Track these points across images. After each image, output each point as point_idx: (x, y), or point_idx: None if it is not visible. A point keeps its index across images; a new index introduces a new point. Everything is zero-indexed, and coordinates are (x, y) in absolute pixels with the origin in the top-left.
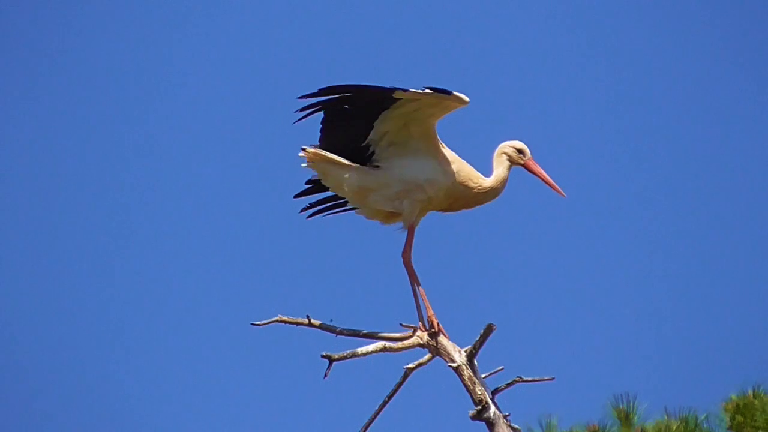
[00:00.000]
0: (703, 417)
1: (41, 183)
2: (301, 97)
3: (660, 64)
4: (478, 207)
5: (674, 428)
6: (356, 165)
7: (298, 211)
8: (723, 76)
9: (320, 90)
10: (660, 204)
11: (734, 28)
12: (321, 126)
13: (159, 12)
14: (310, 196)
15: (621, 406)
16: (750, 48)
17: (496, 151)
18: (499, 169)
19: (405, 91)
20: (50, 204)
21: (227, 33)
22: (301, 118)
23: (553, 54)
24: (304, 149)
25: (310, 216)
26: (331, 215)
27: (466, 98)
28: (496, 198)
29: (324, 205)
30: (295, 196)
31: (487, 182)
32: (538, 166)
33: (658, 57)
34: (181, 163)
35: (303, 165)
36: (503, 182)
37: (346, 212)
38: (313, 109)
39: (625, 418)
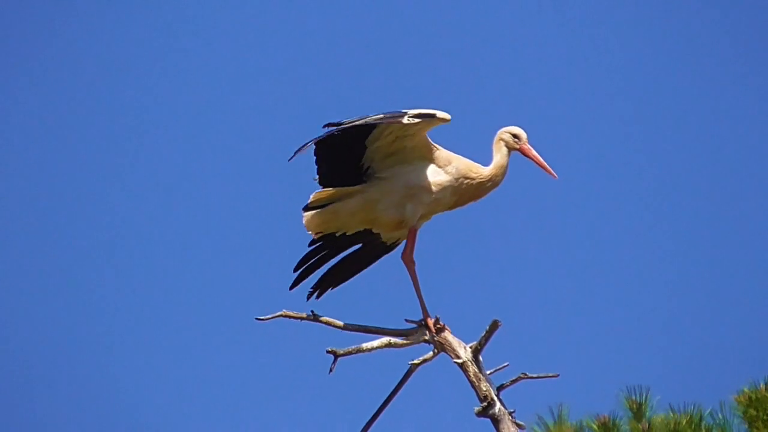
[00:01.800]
0: (708, 412)
1: (43, 183)
2: (292, 158)
3: (663, 58)
4: (483, 198)
5: (684, 422)
6: (358, 186)
7: (306, 296)
8: (724, 70)
9: (311, 141)
10: (670, 195)
11: (734, 27)
12: (316, 159)
13: (160, 13)
14: (307, 279)
15: (633, 398)
16: (750, 48)
17: (495, 139)
18: (498, 156)
19: (392, 123)
20: (54, 201)
21: (226, 34)
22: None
23: (557, 47)
24: (306, 207)
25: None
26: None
27: (448, 116)
28: (499, 185)
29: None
30: (291, 288)
31: (487, 171)
32: (532, 151)
33: (662, 50)
34: (186, 159)
35: (310, 233)
36: (502, 168)
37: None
38: (303, 150)
39: (637, 410)
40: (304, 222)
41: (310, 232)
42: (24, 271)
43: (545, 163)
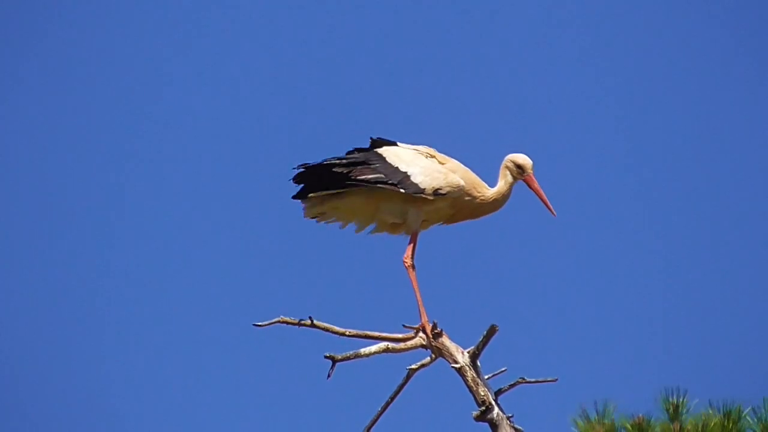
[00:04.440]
0: (747, 410)
1: (43, 185)
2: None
3: (664, 69)
4: (479, 219)
5: (712, 424)
6: (359, 188)
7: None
8: (722, 78)
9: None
10: (695, 188)
11: (734, 27)
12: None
13: (159, 13)
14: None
15: (671, 400)
16: (750, 48)
17: (503, 162)
18: (502, 182)
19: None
20: (54, 205)
21: (226, 33)
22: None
23: (560, 57)
24: (309, 197)
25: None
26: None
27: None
28: (497, 210)
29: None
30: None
31: (490, 193)
32: (536, 183)
33: (664, 61)
34: (184, 163)
35: (311, 217)
36: (504, 196)
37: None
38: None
39: (674, 412)
40: (302, 207)
41: (306, 216)
42: (25, 277)
43: (546, 199)
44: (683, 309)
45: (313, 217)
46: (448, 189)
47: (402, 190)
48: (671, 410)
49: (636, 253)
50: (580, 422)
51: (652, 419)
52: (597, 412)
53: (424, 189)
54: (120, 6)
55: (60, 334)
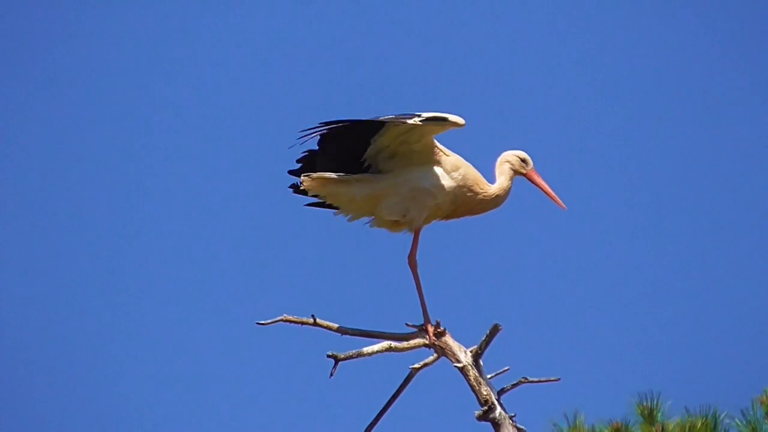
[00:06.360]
0: (723, 414)
1: (45, 184)
2: (301, 132)
3: (665, 71)
4: (479, 216)
5: (698, 426)
6: (362, 175)
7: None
8: (723, 82)
9: (319, 125)
10: (683, 195)
11: (734, 28)
12: (317, 149)
13: (159, 13)
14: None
15: (645, 404)
16: (750, 48)
17: (499, 160)
18: (502, 178)
19: (401, 124)
20: (56, 203)
21: (226, 33)
22: (301, 138)
23: (556, 60)
24: (307, 176)
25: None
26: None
27: (462, 121)
28: (498, 207)
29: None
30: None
31: (492, 189)
32: (540, 178)
33: (666, 64)
34: (186, 161)
35: (307, 199)
36: (507, 191)
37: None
38: (309, 136)
39: (649, 416)
40: (301, 180)
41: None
42: (27, 278)
43: (553, 193)
44: (668, 313)
45: (308, 192)
46: (454, 119)
47: (399, 119)
48: (646, 414)
49: (640, 255)
50: None
51: (630, 424)
52: (567, 422)
53: (420, 115)
54: (119, 5)
55: (64, 333)
